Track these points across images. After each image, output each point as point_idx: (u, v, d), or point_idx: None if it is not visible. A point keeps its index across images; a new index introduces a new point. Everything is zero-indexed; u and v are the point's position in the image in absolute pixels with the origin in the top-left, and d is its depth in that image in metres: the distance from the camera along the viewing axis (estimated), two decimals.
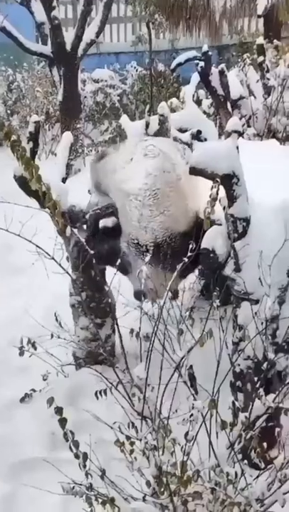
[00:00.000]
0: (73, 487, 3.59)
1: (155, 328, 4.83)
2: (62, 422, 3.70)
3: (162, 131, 5.97)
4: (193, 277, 5.91)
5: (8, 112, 13.82)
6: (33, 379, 5.66)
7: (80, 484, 3.60)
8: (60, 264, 4.67)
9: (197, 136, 6.00)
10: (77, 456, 3.64)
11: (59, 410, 3.73)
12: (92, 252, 5.24)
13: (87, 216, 5.27)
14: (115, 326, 5.32)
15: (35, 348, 4.79)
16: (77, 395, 5.25)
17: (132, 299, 5.23)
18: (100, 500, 3.59)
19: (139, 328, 5.10)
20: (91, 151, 12.19)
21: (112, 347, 5.55)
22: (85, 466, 3.63)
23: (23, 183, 4.95)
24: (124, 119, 6.50)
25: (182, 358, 4.44)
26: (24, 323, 6.12)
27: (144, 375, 4.72)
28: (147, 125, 6.07)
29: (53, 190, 4.45)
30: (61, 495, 3.65)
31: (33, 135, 5.16)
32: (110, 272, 5.34)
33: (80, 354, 5.56)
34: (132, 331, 4.94)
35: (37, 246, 4.74)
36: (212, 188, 4.65)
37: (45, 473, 4.20)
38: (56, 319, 5.21)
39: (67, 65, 11.73)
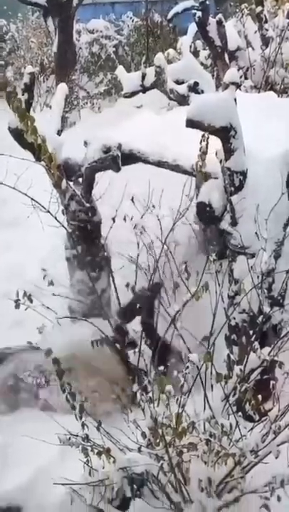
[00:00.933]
0: (69, 438, 3.63)
1: (150, 282, 4.86)
2: (60, 373, 3.72)
3: (158, 83, 5.90)
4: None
5: (2, 63, 13.64)
6: (28, 332, 5.67)
7: (77, 435, 3.64)
8: (55, 218, 4.67)
9: (194, 88, 5.92)
10: (73, 408, 3.67)
11: (56, 361, 3.75)
12: (87, 205, 5.24)
13: (82, 169, 5.22)
14: (111, 279, 5.34)
15: (31, 301, 4.80)
16: (72, 348, 5.25)
17: (128, 252, 5.23)
18: (96, 451, 3.63)
19: (135, 281, 5.12)
20: (86, 103, 12.07)
21: (108, 300, 5.55)
22: (81, 418, 3.66)
23: (18, 135, 4.89)
24: (120, 71, 6.40)
25: (177, 312, 4.46)
26: (19, 276, 6.11)
27: (139, 328, 4.76)
28: (143, 77, 5.99)
29: (48, 142, 4.41)
30: (58, 445, 3.69)
31: (28, 86, 5.08)
32: (105, 225, 5.34)
33: (75, 307, 5.55)
34: (127, 284, 4.96)
35: (32, 199, 4.73)
36: (201, 141, 4.63)
37: (42, 424, 4.24)
38: (44, 277, 5.17)
39: (62, 15, 11.51)
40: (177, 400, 3.59)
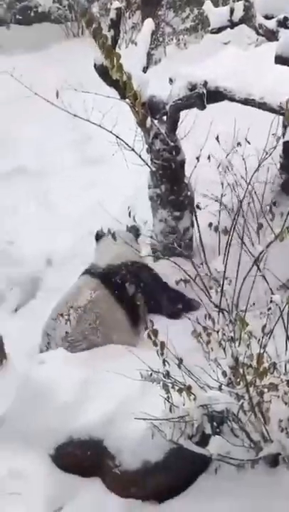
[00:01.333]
0: (151, 374, 3.68)
1: (234, 222, 4.81)
2: (143, 309, 3.77)
3: (247, 18, 5.74)
4: None
5: None
6: None
7: (158, 372, 3.69)
8: (140, 156, 4.66)
9: (284, 22, 5.74)
10: (155, 344, 3.71)
11: (140, 299, 3.79)
12: (171, 143, 5.19)
13: (167, 107, 5.17)
14: (194, 219, 5.32)
15: (115, 239, 4.84)
16: None
17: (212, 192, 5.18)
18: (177, 388, 3.67)
19: (218, 221, 5.09)
20: (172, 39, 11.86)
21: (190, 240, 5.54)
22: (162, 354, 3.70)
23: (103, 72, 4.87)
24: (207, 6, 6.25)
25: (261, 252, 4.42)
26: (103, 214, 6.15)
27: (222, 268, 4.74)
28: (232, 12, 5.83)
29: (133, 79, 4.37)
30: (139, 381, 3.75)
31: (115, 22, 5.03)
32: (189, 164, 5.29)
33: (157, 247, 5.58)
34: (210, 224, 4.94)
35: (117, 137, 4.73)
36: None
37: (126, 359, 4.31)
38: (129, 214, 5.20)
39: None
40: (259, 340, 3.59)
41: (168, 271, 5.08)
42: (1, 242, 6.62)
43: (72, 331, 4.88)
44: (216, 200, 5.24)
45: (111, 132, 4.68)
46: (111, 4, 5.30)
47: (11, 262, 6.47)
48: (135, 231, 5.26)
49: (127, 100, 4.50)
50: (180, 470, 3.97)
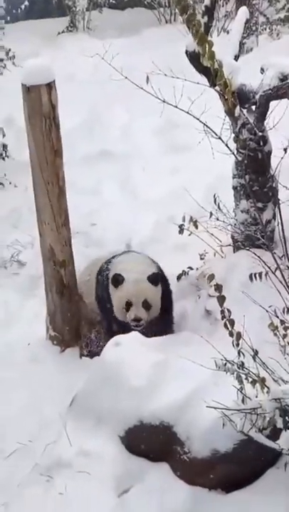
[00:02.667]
0: (225, 364, 3.67)
1: None
2: (221, 299, 3.75)
3: None
4: None
5: None
6: (190, 257, 5.74)
7: (232, 362, 3.68)
8: (226, 145, 4.61)
9: None
10: (231, 334, 3.70)
11: (218, 288, 3.78)
12: (259, 133, 5.14)
13: (257, 97, 5.11)
14: (277, 211, 5.25)
15: (197, 227, 4.84)
16: (231, 277, 5.27)
17: None
18: (251, 380, 3.66)
19: None
20: (265, 29, 11.72)
21: (272, 232, 5.48)
22: (238, 345, 3.69)
23: (194, 58, 4.85)
24: None
25: None
26: (184, 201, 6.15)
27: None
28: None
29: (224, 67, 4.34)
30: (213, 370, 3.74)
31: (209, 9, 5.00)
32: (276, 156, 5.22)
33: (238, 237, 5.54)
34: None
35: (204, 124, 4.69)
36: None
37: (199, 348, 4.32)
38: (215, 201, 5.19)
39: None
40: None
41: (246, 262, 5.05)
42: (84, 223, 6.70)
43: None
44: None
45: (198, 119, 4.65)
46: None
47: (92, 244, 6.55)
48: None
49: (217, 88, 4.46)
50: (249, 462, 3.96)
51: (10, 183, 7.76)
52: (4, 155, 8.06)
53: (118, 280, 5.05)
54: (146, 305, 5.04)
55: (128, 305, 5.03)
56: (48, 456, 4.30)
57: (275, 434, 3.70)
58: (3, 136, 7.97)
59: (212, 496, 3.98)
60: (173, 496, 3.97)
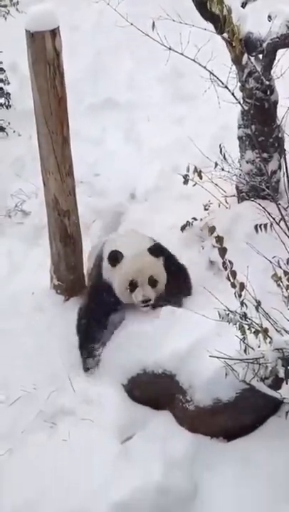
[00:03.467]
0: (228, 314, 3.69)
1: None
2: (223, 251, 3.75)
3: None
4: None
5: None
6: (194, 208, 5.72)
7: (235, 312, 3.69)
8: (232, 94, 4.55)
9: None
10: (233, 286, 3.70)
11: (220, 239, 3.78)
12: (266, 82, 5.07)
13: (264, 45, 5.03)
14: (282, 162, 5.21)
15: (201, 177, 4.80)
16: (235, 228, 5.25)
17: None
18: (253, 330, 3.68)
19: None
20: None
21: (277, 183, 5.45)
22: (240, 296, 3.70)
23: (202, 4, 4.75)
24: None
25: None
26: (189, 151, 6.10)
27: None
28: None
29: (233, 14, 4.26)
30: (216, 321, 3.76)
31: None
32: (282, 105, 5.17)
33: (243, 187, 5.51)
34: None
35: (211, 72, 4.62)
36: None
37: (203, 298, 4.33)
38: (221, 151, 5.14)
39: None
40: None
41: (251, 213, 5.03)
42: (87, 173, 6.65)
43: None
44: None
45: (205, 68, 4.57)
46: None
47: (96, 194, 6.51)
48: None
49: (224, 35, 4.39)
50: (250, 411, 4.02)
51: (14, 131, 7.68)
52: (8, 103, 7.98)
53: (116, 258, 4.54)
54: (153, 282, 4.54)
55: (132, 285, 4.51)
56: (52, 404, 4.36)
57: (276, 384, 3.74)
58: (8, 84, 7.88)
59: (214, 443, 4.05)
60: (175, 444, 4.03)
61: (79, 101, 7.63)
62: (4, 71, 7.88)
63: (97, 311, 4.74)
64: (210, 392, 4.02)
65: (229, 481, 3.88)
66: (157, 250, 4.64)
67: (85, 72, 8.44)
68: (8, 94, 7.94)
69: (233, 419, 4.04)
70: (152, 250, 4.61)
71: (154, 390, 4.28)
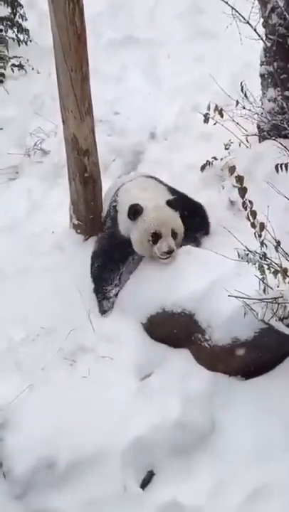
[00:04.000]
0: (247, 254, 3.68)
1: None
2: (243, 191, 3.73)
3: None
4: None
5: None
6: (214, 147, 5.66)
7: (255, 252, 3.68)
8: (255, 30, 4.47)
9: None
10: (253, 226, 3.69)
11: (240, 179, 3.75)
12: None
13: None
14: None
15: (222, 116, 4.75)
16: (256, 168, 5.20)
17: None
18: (273, 270, 3.68)
19: None
20: None
21: None
22: (260, 236, 3.69)
23: None
24: None
25: None
26: (209, 89, 6.01)
27: None
28: None
29: None
30: (235, 260, 3.76)
31: None
32: None
33: (264, 126, 5.44)
34: None
35: (232, 8, 4.54)
36: None
37: (222, 238, 4.32)
38: (242, 89, 5.06)
39: None
40: None
41: (272, 152, 4.98)
42: (107, 112, 6.60)
43: None
44: None
45: (226, 3, 4.50)
46: None
47: (115, 133, 6.47)
48: None
49: None
50: (268, 350, 4.04)
51: (32, 68, 7.61)
52: (27, 40, 7.88)
53: (137, 211, 4.52)
54: (174, 234, 4.53)
55: (156, 236, 4.48)
56: (72, 342, 4.41)
57: None
58: (25, 20, 7.77)
59: (232, 381, 4.09)
60: (194, 381, 4.07)
61: (98, 38, 7.54)
62: (22, 6, 7.77)
63: (111, 255, 4.77)
64: (228, 331, 4.05)
65: (246, 419, 3.93)
66: (176, 203, 4.61)
67: (105, 9, 8.29)
68: (27, 30, 7.84)
69: (251, 357, 4.06)
70: (171, 203, 4.60)
71: (172, 329, 4.31)
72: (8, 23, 7.85)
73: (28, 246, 5.39)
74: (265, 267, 3.70)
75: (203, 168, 5.53)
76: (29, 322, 4.68)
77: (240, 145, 5.54)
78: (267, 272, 3.72)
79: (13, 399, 3.79)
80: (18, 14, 7.80)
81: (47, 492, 3.31)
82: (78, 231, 5.33)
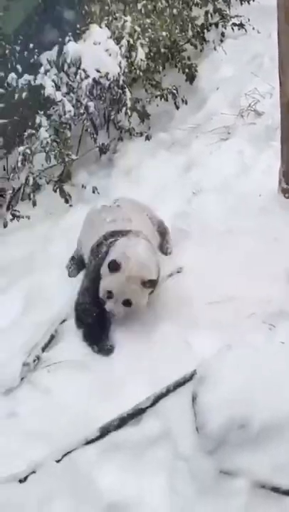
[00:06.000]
0: None
1: None
2: None
3: None
4: None
5: None
6: None
7: None
8: None
9: None
10: None
11: None
12: None
13: None
14: None
15: None
16: None
17: None
18: None
19: None
20: None
21: None
22: None
23: None
24: None
25: None
26: None
27: None
28: None
29: None
30: None
31: None
32: None
33: None
34: None
35: None
36: None
37: None
38: None
39: None
40: None
41: None
42: None
43: None
44: None
45: None
46: None
47: None
48: None
49: None
50: None
51: (253, 28, 7.54)
52: None
53: (115, 268, 4.51)
54: (127, 303, 4.56)
55: (109, 294, 4.57)
56: (270, 305, 4.40)
57: None
58: None
59: None
60: None
61: None
62: None
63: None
64: None
65: None
66: (151, 285, 4.56)
67: None
68: None
69: None
70: (145, 284, 4.53)
71: None
72: None
73: (234, 207, 5.41)
74: None
75: None
76: (224, 284, 4.68)
77: None
78: None
79: (211, 356, 3.85)
80: None
81: (238, 451, 3.34)
82: (286, 195, 5.28)
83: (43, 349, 4.58)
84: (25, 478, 3.61)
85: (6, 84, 6.57)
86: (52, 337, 4.69)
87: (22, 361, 4.43)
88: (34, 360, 4.48)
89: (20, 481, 3.60)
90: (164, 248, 5.30)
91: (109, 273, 4.54)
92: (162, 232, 5.30)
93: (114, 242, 4.75)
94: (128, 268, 4.50)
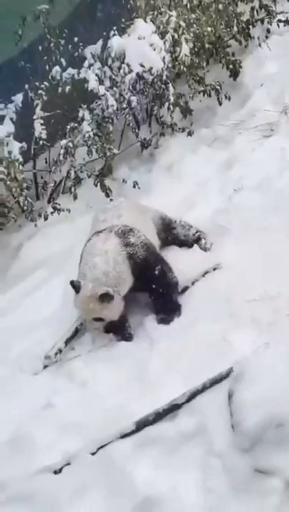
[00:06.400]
0: None
1: None
2: None
3: None
4: None
5: None
6: None
7: None
8: None
9: None
10: None
11: None
12: None
13: None
14: None
15: None
16: None
17: None
18: None
19: None
20: None
21: None
22: None
23: None
24: None
25: None
26: None
27: None
28: None
29: None
30: None
31: None
32: None
33: None
34: None
35: None
36: None
37: None
38: None
39: None
40: None
41: None
42: None
43: None
44: None
45: None
46: None
47: None
48: None
49: None
50: None
51: None
52: None
53: (75, 289, 4.63)
54: (99, 319, 4.68)
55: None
56: None
57: None
58: None
59: None
60: None
61: None
62: None
63: None
64: None
65: None
66: (107, 298, 4.58)
67: None
68: None
69: None
70: (103, 298, 4.57)
71: None
72: None
73: (273, 205, 5.37)
74: None
75: None
76: (266, 281, 4.64)
77: None
78: None
79: (249, 353, 3.83)
80: None
81: (274, 450, 3.32)
82: None
83: (66, 343, 4.72)
84: (60, 470, 3.64)
85: (50, 78, 6.61)
86: (76, 330, 4.81)
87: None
88: (56, 354, 4.64)
89: (55, 473, 3.64)
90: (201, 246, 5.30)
91: (74, 293, 4.66)
92: (170, 228, 5.31)
93: (87, 242, 4.88)
94: (84, 288, 4.60)
